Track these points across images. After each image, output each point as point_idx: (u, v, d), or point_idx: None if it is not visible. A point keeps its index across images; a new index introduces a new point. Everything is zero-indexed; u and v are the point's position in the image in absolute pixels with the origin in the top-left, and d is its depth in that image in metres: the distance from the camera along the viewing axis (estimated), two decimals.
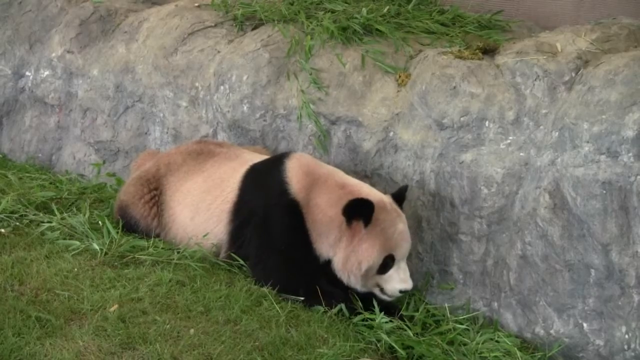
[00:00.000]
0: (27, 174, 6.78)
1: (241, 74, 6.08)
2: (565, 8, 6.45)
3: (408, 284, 5.04)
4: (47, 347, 4.31)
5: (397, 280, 5.04)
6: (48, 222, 5.69)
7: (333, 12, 6.21)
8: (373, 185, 5.56)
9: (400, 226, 5.05)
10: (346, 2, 6.41)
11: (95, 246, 5.36)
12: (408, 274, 5.06)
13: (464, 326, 5.03)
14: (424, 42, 5.92)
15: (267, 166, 5.42)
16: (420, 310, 5.13)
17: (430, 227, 5.39)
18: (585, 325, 4.80)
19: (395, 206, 5.12)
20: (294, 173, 5.21)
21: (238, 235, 5.33)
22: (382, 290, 5.09)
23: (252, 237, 5.27)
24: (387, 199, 5.11)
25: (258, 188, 5.34)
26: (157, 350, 4.36)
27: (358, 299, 5.02)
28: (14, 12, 7.59)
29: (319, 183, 5.16)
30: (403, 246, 5.06)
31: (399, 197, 5.19)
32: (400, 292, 5.07)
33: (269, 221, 5.21)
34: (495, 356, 4.81)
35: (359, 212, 4.97)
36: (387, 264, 5.02)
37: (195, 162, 5.73)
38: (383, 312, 4.90)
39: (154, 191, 5.72)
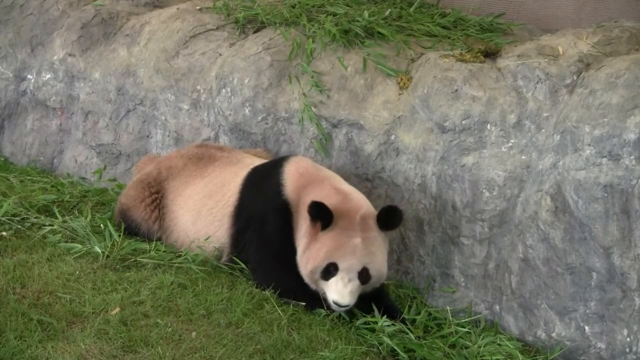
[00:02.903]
0: (29, 177, 6.79)
1: (243, 77, 6.09)
2: (567, 11, 6.46)
3: (341, 299, 4.86)
4: (48, 350, 4.31)
5: (334, 291, 4.89)
6: (50, 225, 5.70)
7: (335, 15, 6.21)
8: (374, 188, 5.57)
9: (356, 240, 4.90)
10: (348, 5, 6.41)
11: (97, 249, 5.37)
12: (349, 289, 4.87)
13: (465, 329, 5.02)
14: (426, 45, 5.92)
15: (267, 169, 5.43)
16: (422, 313, 5.13)
17: (432, 230, 5.39)
18: (586, 328, 4.80)
19: (371, 222, 4.95)
20: (290, 175, 5.22)
21: (239, 239, 5.34)
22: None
23: (251, 241, 5.28)
24: (365, 213, 4.97)
25: (257, 191, 5.35)
26: (158, 353, 4.37)
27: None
28: (16, 15, 7.60)
29: (313, 184, 5.14)
30: (348, 259, 4.89)
31: (382, 216, 4.98)
32: (334, 303, 4.89)
33: (265, 224, 5.22)
34: (497, 359, 4.81)
35: (318, 214, 4.91)
36: (329, 271, 4.91)
37: (197, 167, 5.73)
38: (385, 316, 4.90)
39: (155, 194, 5.73)
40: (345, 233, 4.92)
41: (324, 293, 4.98)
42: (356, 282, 4.90)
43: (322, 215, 4.90)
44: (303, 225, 5.04)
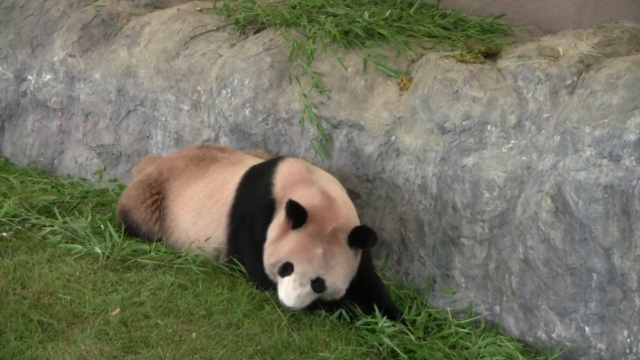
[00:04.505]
0: (29, 178, 6.78)
1: (243, 78, 6.09)
2: (567, 12, 6.45)
3: (286, 300, 4.88)
4: (49, 351, 4.32)
5: (283, 290, 4.91)
6: (50, 225, 5.70)
7: (335, 15, 6.21)
8: (375, 189, 5.57)
9: (317, 250, 4.88)
10: (348, 6, 6.41)
11: (97, 250, 5.37)
12: (297, 292, 4.88)
13: (466, 330, 5.02)
14: (426, 46, 5.91)
15: (262, 168, 5.44)
16: (422, 314, 5.13)
17: (432, 231, 5.39)
18: (587, 329, 4.80)
19: (341, 237, 4.91)
20: (282, 175, 5.21)
21: (235, 239, 5.34)
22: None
23: (244, 242, 5.28)
24: (339, 227, 4.92)
25: (251, 190, 5.35)
26: (159, 354, 4.37)
27: (356, 305, 5.03)
28: (16, 16, 7.60)
29: (301, 183, 5.12)
30: (304, 265, 4.88)
31: (352, 235, 4.92)
32: (281, 300, 4.93)
33: (254, 223, 5.22)
34: None
35: (292, 214, 4.90)
36: (285, 268, 4.92)
37: (198, 168, 5.73)
38: (385, 316, 4.90)
39: (156, 195, 5.72)
40: (311, 240, 4.89)
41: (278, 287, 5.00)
42: (307, 289, 4.90)
43: (296, 216, 4.90)
44: (279, 217, 5.03)
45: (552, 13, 6.53)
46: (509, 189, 5.13)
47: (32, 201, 6.07)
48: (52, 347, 4.35)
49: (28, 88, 7.36)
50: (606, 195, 4.67)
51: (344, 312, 4.97)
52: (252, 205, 5.27)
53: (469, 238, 5.26)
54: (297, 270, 4.89)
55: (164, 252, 5.45)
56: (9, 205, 5.84)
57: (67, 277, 5.04)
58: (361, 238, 4.94)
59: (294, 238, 4.92)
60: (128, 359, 4.36)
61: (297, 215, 4.89)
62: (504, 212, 5.14)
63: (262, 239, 5.09)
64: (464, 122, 5.28)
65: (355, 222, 5.06)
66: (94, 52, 7.04)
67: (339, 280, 4.94)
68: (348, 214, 5.07)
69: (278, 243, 4.97)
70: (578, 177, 4.78)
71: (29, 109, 7.37)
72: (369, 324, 4.90)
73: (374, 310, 4.94)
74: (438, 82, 5.44)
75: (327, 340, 4.72)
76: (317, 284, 4.91)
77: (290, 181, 5.15)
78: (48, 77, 7.21)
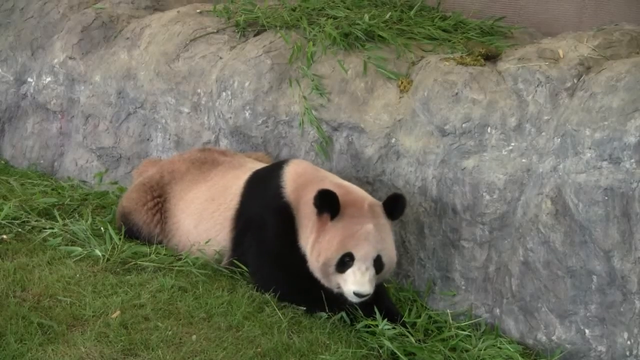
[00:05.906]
0: (29, 180, 6.79)
1: (243, 80, 6.09)
2: (567, 14, 6.46)
3: (362, 287, 4.82)
4: (49, 353, 4.32)
5: (352, 282, 4.85)
6: (50, 228, 5.70)
7: (335, 18, 6.21)
8: (375, 191, 5.57)
9: (368, 227, 4.88)
10: (348, 9, 6.42)
11: (98, 252, 5.37)
12: (367, 278, 4.83)
13: (466, 332, 5.02)
14: (426, 49, 5.92)
15: (267, 172, 5.44)
16: (422, 316, 5.13)
17: (432, 233, 5.39)
18: (587, 331, 4.80)
19: (378, 210, 4.97)
20: (290, 177, 5.22)
21: (240, 243, 5.34)
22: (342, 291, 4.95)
23: (251, 244, 5.27)
24: (371, 202, 5.00)
25: (257, 194, 5.35)
26: (159, 357, 4.37)
27: (357, 307, 5.02)
28: (16, 18, 7.60)
29: (313, 182, 5.13)
30: (363, 246, 4.86)
31: (388, 205, 5.00)
32: (355, 294, 4.85)
33: (263, 227, 5.21)
34: None
35: (324, 203, 4.88)
36: (345, 262, 4.88)
37: (200, 172, 5.73)
38: (385, 319, 4.90)
39: (157, 198, 5.73)
40: (356, 220, 4.90)
41: (339, 287, 4.94)
42: (372, 271, 4.89)
43: (329, 204, 4.88)
44: (308, 224, 5.02)
45: (552, 15, 6.53)
46: (509, 192, 5.13)
47: (32, 204, 6.07)
48: (52, 350, 4.35)
49: (28, 90, 7.37)
50: (606, 198, 4.67)
51: (344, 314, 4.97)
52: (261, 209, 5.26)
53: (469, 240, 5.26)
54: (359, 255, 4.86)
55: (164, 255, 5.45)
56: (9, 207, 5.85)
57: (67, 280, 5.04)
58: (396, 206, 4.98)
59: (338, 228, 4.91)
60: None
61: (332, 204, 4.88)
62: (504, 215, 5.14)
63: (275, 244, 5.11)
64: (464, 125, 5.28)
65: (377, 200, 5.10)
66: (94, 54, 7.05)
67: (392, 252, 5.00)
68: (363, 193, 5.14)
69: (321, 242, 4.92)
70: (578, 179, 4.78)
71: (29, 111, 7.37)
72: (369, 327, 4.90)
73: (374, 313, 4.94)
74: (438, 85, 5.44)
75: (327, 342, 4.72)
76: (378, 263, 4.91)
77: (300, 182, 5.16)
78: (48, 79, 7.22)
